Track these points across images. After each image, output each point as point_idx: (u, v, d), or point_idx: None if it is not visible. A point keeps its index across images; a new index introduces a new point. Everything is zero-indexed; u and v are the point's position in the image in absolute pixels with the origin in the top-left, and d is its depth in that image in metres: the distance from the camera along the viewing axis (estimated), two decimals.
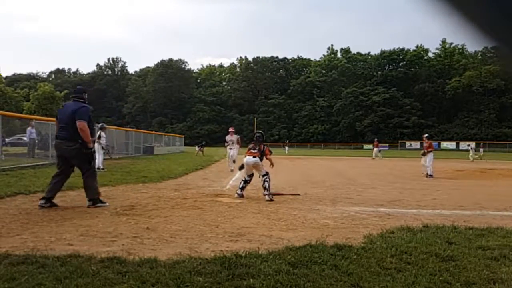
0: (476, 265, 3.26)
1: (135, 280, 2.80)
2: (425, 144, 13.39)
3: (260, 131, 8.63)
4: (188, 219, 5.21)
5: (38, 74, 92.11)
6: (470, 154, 28.71)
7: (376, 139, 33.47)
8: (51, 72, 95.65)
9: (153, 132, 38.34)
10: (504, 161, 26.66)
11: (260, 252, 3.51)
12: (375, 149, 30.02)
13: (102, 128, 13.63)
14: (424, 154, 13.26)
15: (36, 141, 15.35)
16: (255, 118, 74.14)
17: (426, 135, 13.88)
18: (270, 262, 3.24)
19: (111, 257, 3.30)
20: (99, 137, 13.22)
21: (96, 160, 13.05)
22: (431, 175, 12.84)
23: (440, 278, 2.97)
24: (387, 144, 63.97)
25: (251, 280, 2.85)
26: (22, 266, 3.05)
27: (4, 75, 60.00)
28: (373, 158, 28.50)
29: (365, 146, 61.85)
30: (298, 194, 7.86)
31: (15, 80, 78.29)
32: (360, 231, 4.62)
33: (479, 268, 3.20)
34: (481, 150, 31.33)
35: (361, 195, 8.21)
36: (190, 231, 4.53)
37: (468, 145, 31.43)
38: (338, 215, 5.74)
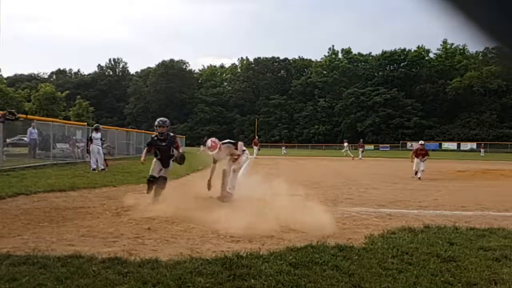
0: (477, 266, 3.25)
1: (136, 281, 2.80)
2: (421, 152, 13.51)
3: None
4: (189, 219, 5.21)
5: (39, 74, 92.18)
6: (344, 150, 31.60)
7: (361, 140, 34.10)
8: (52, 73, 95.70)
9: (154, 132, 38.31)
10: (505, 162, 26.60)
11: (261, 253, 3.51)
12: (360, 149, 30.61)
13: (95, 129, 13.58)
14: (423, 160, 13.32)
15: (37, 141, 15.37)
16: (256, 119, 74.13)
17: (423, 141, 14.79)
18: (271, 262, 3.24)
19: (112, 258, 3.30)
20: (91, 139, 13.22)
21: (91, 161, 13.11)
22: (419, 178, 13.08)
23: (441, 278, 2.97)
24: (388, 145, 63.98)
25: (252, 280, 2.85)
26: (23, 266, 3.05)
27: (5, 76, 60.31)
28: (360, 158, 28.97)
29: (367, 147, 61.78)
30: (299, 195, 7.85)
31: (16, 80, 78.35)
32: (361, 231, 4.62)
33: (481, 269, 3.19)
34: (346, 147, 32.07)
35: (362, 196, 8.20)
36: (191, 231, 4.53)
37: (344, 141, 34.31)
38: (339, 215, 5.74)
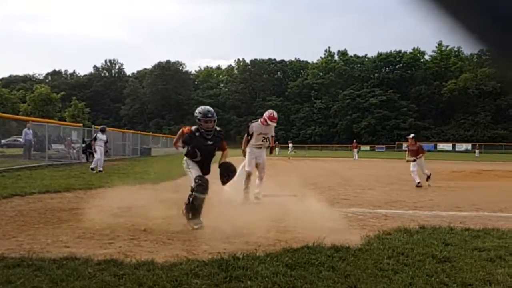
0: (472, 266, 3.27)
1: (132, 283, 2.79)
2: (413, 148, 10.72)
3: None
4: (185, 220, 5.19)
5: (34, 75, 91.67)
6: (289, 152, 34.56)
7: (354, 140, 35.11)
8: (47, 74, 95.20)
9: (151, 133, 38.28)
10: (499, 162, 26.79)
11: (257, 254, 3.51)
12: (355, 150, 31.54)
13: (101, 130, 13.57)
14: (415, 160, 10.38)
15: (32, 142, 15.29)
16: None
17: (412, 135, 10.96)
18: (267, 264, 3.23)
19: (108, 260, 3.29)
20: (95, 138, 13.21)
21: (93, 161, 13.09)
22: (419, 182, 10.15)
23: (437, 279, 2.98)
24: (383, 146, 64.26)
25: (249, 282, 2.85)
26: (18, 268, 3.03)
27: (0, 77, 59.86)
28: (355, 159, 29.80)
29: (362, 148, 62.06)
30: (295, 195, 7.86)
31: (11, 81, 77.89)
32: (357, 232, 4.63)
33: (475, 269, 3.21)
34: (290, 148, 35.76)
35: (358, 196, 8.22)
36: (187, 233, 4.52)
37: (289, 141, 38.20)
38: (336, 216, 5.74)
